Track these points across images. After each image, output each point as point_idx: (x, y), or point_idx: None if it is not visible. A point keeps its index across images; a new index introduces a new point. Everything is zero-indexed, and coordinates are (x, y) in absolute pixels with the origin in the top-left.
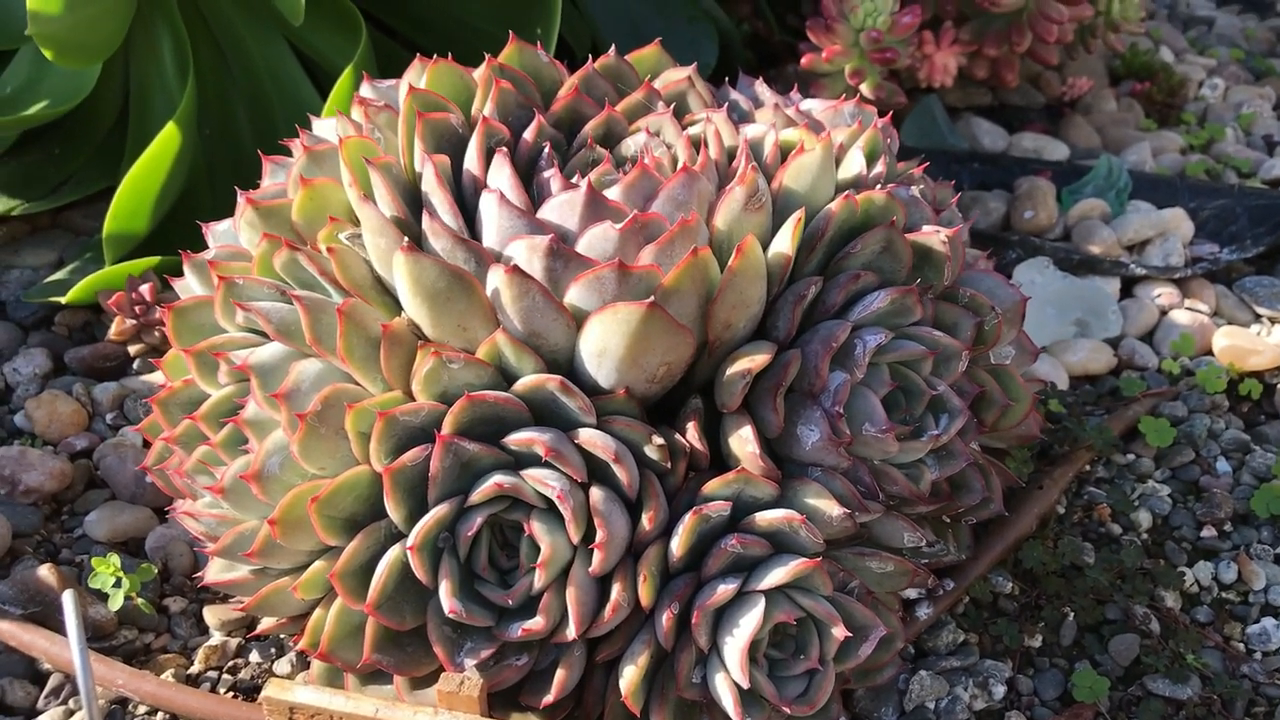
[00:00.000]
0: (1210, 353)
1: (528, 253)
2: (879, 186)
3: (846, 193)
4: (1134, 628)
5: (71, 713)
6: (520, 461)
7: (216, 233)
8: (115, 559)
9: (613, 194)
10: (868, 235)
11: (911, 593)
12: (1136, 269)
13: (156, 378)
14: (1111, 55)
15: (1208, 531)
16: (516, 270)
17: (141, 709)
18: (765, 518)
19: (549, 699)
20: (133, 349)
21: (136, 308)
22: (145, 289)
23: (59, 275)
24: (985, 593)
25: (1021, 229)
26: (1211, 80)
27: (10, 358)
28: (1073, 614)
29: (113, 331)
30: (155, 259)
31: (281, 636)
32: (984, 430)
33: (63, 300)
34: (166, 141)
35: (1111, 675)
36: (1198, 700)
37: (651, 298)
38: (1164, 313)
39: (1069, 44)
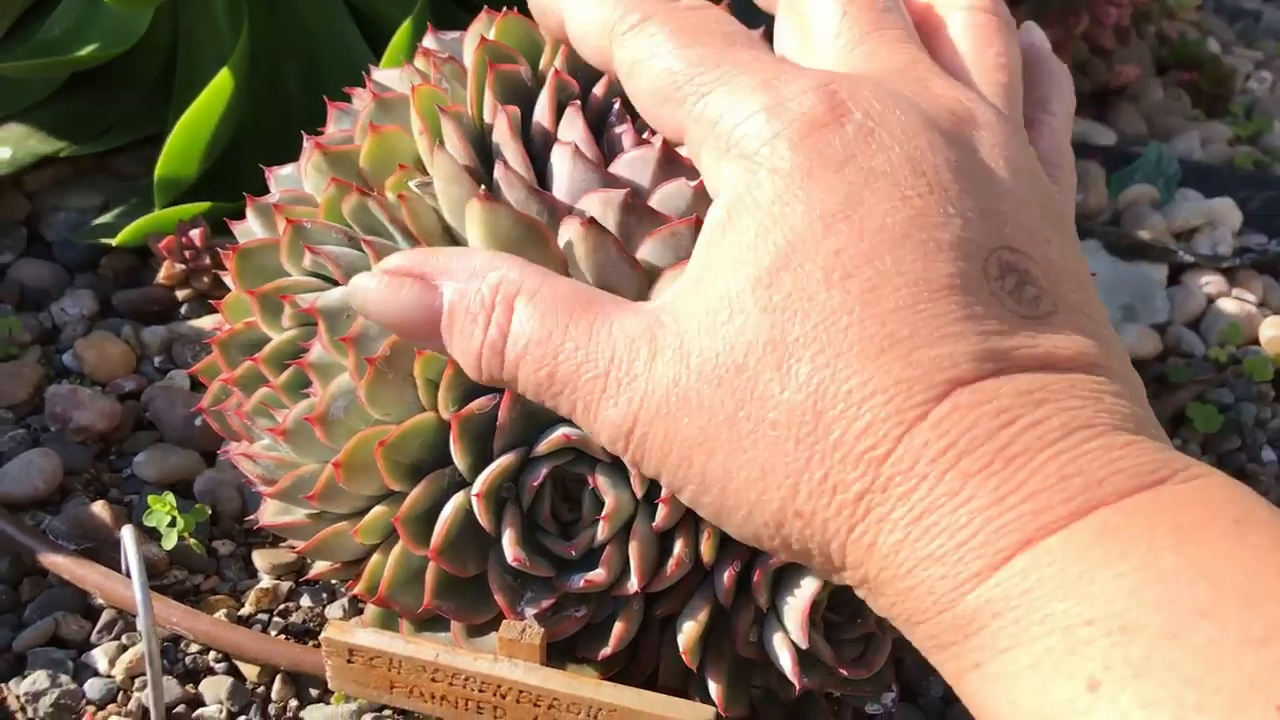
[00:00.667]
0: (1257, 342)
1: (602, 206)
2: None
3: None
4: None
5: (124, 648)
6: None
7: (280, 177)
8: (170, 498)
9: (685, 152)
10: None
11: None
12: (1185, 256)
13: (204, 323)
14: (1158, 44)
15: None
16: (593, 223)
17: (194, 648)
18: None
19: (607, 650)
20: (181, 294)
21: (186, 252)
22: (195, 234)
23: (105, 218)
24: None
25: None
26: (1259, 73)
27: (58, 298)
28: None
29: (161, 275)
30: (207, 204)
31: (333, 582)
32: None
33: (112, 242)
34: (220, 88)
35: None
36: None
37: None
38: (1211, 301)
39: (1123, 29)
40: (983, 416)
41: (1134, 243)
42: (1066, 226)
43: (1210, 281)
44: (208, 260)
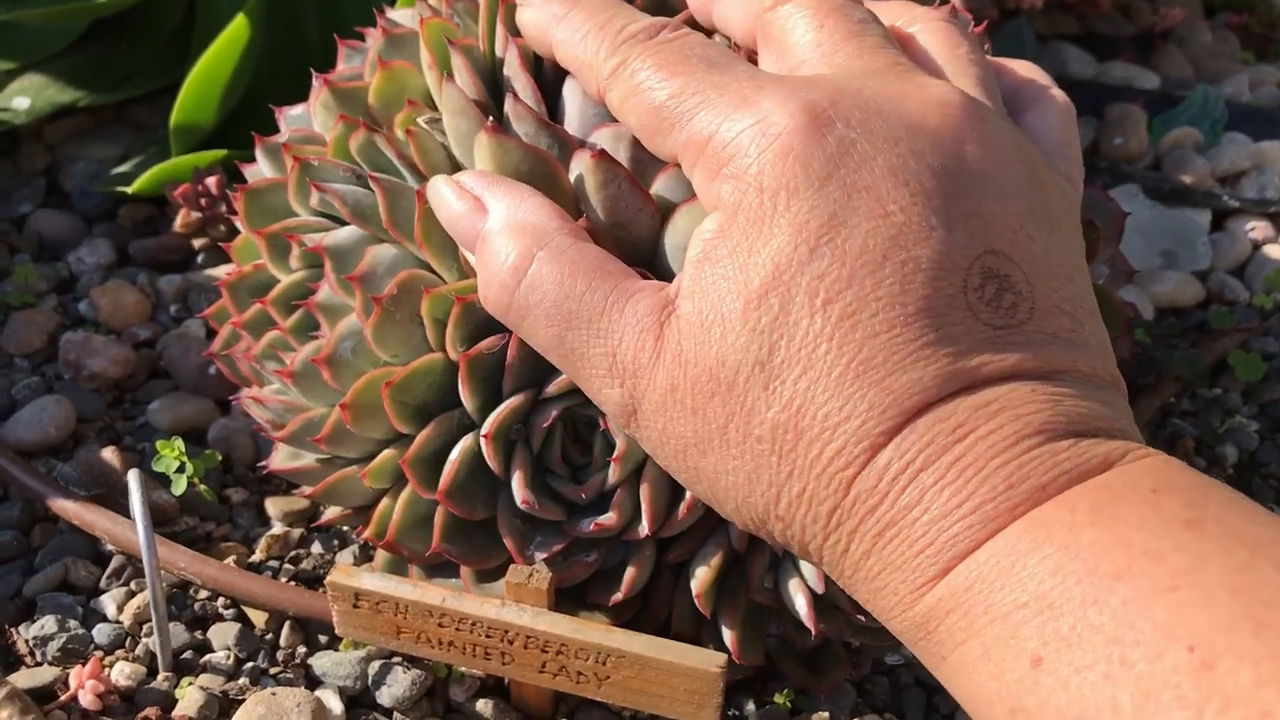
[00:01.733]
0: None
1: (613, 140)
2: None
3: None
4: None
5: (133, 593)
6: None
7: (290, 117)
8: (179, 443)
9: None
10: None
11: None
12: (1230, 201)
13: (220, 271)
14: None
15: None
16: (603, 155)
17: (203, 594)
18: None
19: (618, 596)
20: (197, 242)
21: (202, 200)
22: (211, 182)
23: (123, 168)
24: None
25: (1110, 156)
26: None
27: (75, 248)
28: None
29: (177, 224)
30: (223, 152)
31: (344, 529)
32: None
33: (129, 190)
34: (236, 33)
35: None
36: None
37: None
38: (1257, 247)
39: None
40: (940, 434)
41: (1176, 187)
42: (1058, 216)
43: (1256, 227)
44: (224, 208)
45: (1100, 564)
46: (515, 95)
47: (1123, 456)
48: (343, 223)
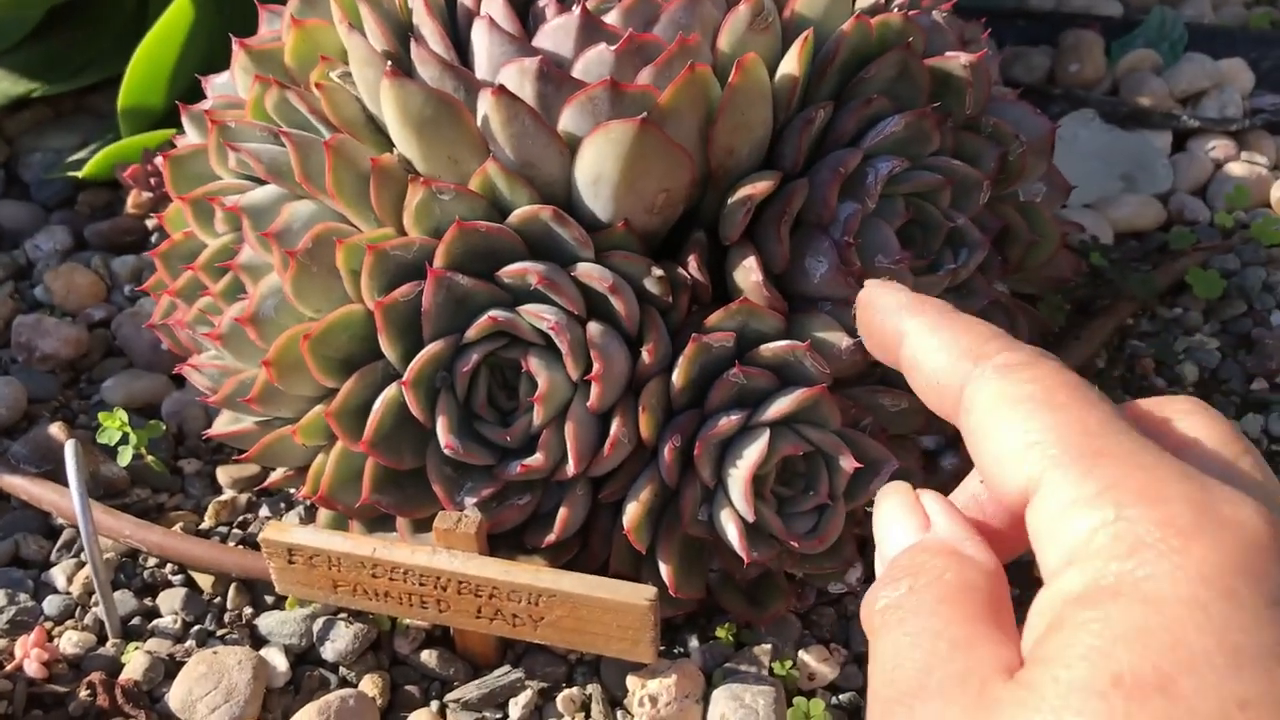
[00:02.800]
0: (1268, 205)
1: (518, 77)
2: (896, 9)
3: (858, 13)
4: None
5: (82, 565)
6: (517, 298)
7: (215, 85)
8: (122, 414)
9: (610, 19)
10: (882, 59)
11: (930, 441)
12: (1190, 121)
13: None
14: None
15: (1258, 384)
16: (503, 91)
17: (151, 562)
18: (770, 348)
19: (552, 537)
20: (150, 223)
21: (152, 180)
22: (160, 161)
23: (80, 155)
24: None
25: (1066, 82)
26: None
27: (32, 235)
28: None
29: (129, 204)
30: (170, 131)
31: (290, 492)
32: (1009, 270)
33: (80, 175)
34: (179, 14)
35: None
36: None
37: (645, 114)
38: (1218, 166)
39: None
40: None
41: (1134, 110)
42: None
43: (1218, 146)
44: None
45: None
46: (421, 41)
47: None
48: (262, 183)
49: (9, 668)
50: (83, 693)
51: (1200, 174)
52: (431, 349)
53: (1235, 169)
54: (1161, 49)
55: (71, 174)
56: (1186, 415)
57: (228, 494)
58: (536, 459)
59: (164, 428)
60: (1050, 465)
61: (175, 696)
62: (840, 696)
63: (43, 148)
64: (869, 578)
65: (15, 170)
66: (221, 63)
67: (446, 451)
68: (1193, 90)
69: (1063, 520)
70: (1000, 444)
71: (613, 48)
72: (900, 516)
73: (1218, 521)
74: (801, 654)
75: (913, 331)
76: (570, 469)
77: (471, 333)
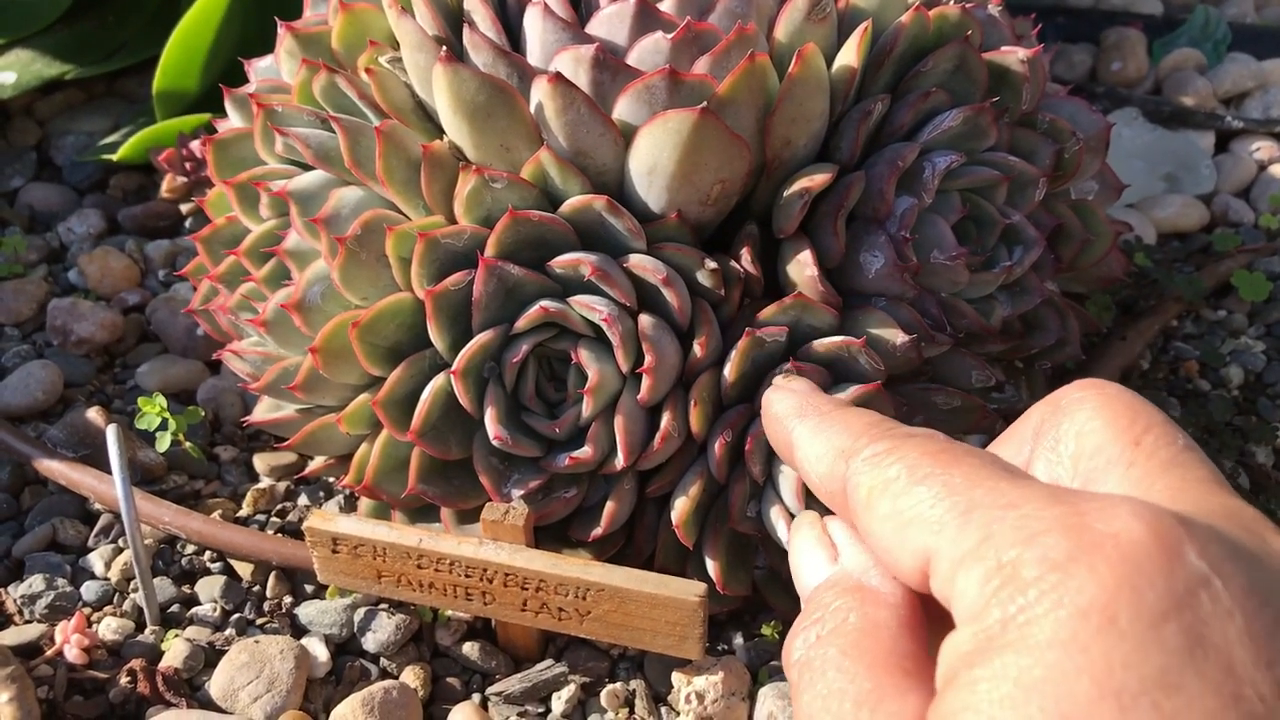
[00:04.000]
0: None
1: (573, 64)
2: (953, 3)
3: (917, 4)
4: None
5: (119, 550)
6: (567, 289)
7: (259, 69)
8: (161, 399)
9: (665, 7)
10: (939, 52)
11: (978, 442)
12: (1233, 122)
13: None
14: None
15: None
16: (559, 79)
17: (189, 548)
18: (824, 343)
19: (598, 531)
20: (185, 207)
21: (187, 164)
22: (196, 145)
23: (112, 138)
24: None
25: (1108, 81)
26: None
27: (65, 218)
28: None
29: (164, 189)
30: (206, 116)
31: (330, 480)
32: (1062, 269)
33: (114, 159)
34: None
35: None
36: None
37: (704, 104)
38: (1263, 167)
39: None
40: None
41: (1177, 110)
42: None
43: (1262, 147)
44: (209, 171)
45: None
46: (473, 26)
47: None
48: (309, 168)
49: (49, 653)
50: (123, 679)
51: (1244, 175)
52: (481, 339)
53: (1279, 170)
54: (1205, 48)
55: (105, 157)
56: (1077, 409)
57: (265, 482)
58: (585, 451)
59: (202, 414)
60: (930, 535)
61: (217, 685)
62: None
63: (75, 131)
64: None
65: (47, 153)
66: (257, 47)
67: (494, 442)
68: (1236, 91)
69: (955, 583)
70: (885, 535)
71: (669, 36)
72: (810, 550)
73: (1092, 543)
74: None
75: (799, 439)
76: (619, 462)
77: (521, 323)
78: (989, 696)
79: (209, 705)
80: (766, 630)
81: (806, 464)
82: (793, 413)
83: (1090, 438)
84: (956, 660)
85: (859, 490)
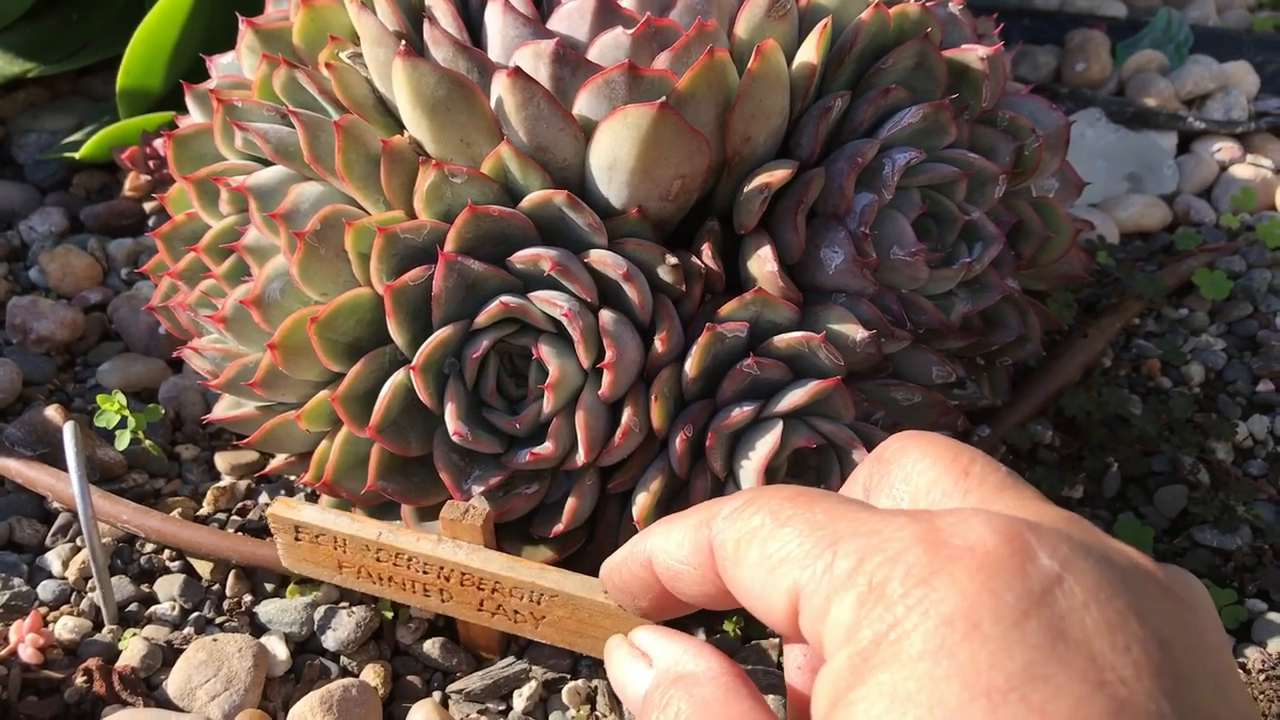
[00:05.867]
0: (1273, 208)
1: (533, 59)
2: (914, 1)
3: (877, 1)
4: (1181, 479)
5: (77, 549)
6: (528, 284)
7: (220, 65)
8: (120, 396)
9: (626, 3)
10: (900, 49)
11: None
12: (1195, 123)
13: None
14: None
15: (1264, 386)
16: (519, 73)
17: (149, 547)
18: (784, 339)
19: (559, 527)
20: (148, 206)
21: (151, 163)
22: (160, 144)
23: (76, 136)
24: (1024, 441)
25: (1072, 82)
26: None
27: (26, 216)
28: (1117, 465)
29: (127, 187)
30: (169, 114)
31: (291, 479)
32: (1022, 265)
33: (77, 157)
34: None
35: (1157, 527)
36: (1247, 550)
37: (664, 99)
38: (1224, 168)
39: None
40: None
41: (1140, 111)
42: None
43: (1223, 148)
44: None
45: None
46: (434, 21)
47: None
48: (268, 163)
49: (3, 653)
50: (79, 679)
51: (1206, 176)
52: (441, 334)
53: (1240, 171)
54: (1167, 50)
55: (68, 155)
56: (903, 456)
57: (226, 480)
58: (546, 447)
59: (163, 412)
60: (800, 571)
61: (174, 684)
62: None
63: (38, 129)
64: None
65: (9, 151)
66: (221, 44)
67: (455, 439)
68: (1198, 92)
69: (829, 614)
70: (754, 581)
71: (629, 32)
72: (626, 665)
73: (951, 556)
74: None
75: (653, 546)
76: (580, 458)
77: (481, 319)
78: (867, 714)
79: (166, 704)
80: (728, 626)
81: (668, 559)
82: (630, 546)
83: (922, 476)
84: (833, 688)
85: (725, 545)
